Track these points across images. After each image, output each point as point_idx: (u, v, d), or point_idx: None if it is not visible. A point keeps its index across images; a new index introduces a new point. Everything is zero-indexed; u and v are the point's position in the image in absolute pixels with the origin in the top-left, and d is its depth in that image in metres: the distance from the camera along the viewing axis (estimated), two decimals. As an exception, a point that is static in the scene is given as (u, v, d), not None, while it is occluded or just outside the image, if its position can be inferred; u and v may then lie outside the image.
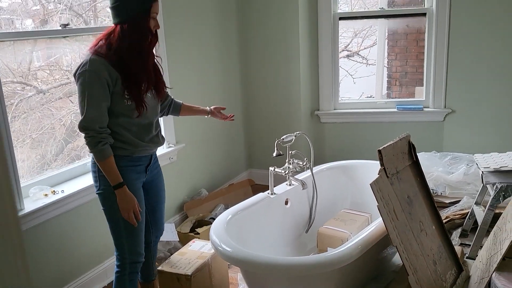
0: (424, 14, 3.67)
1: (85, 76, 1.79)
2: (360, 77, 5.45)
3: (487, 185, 2.69)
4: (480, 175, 2.68)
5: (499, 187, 2.55)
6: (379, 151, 2.20)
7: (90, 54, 1.83)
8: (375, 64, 4.98)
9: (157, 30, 1.94)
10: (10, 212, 1.21)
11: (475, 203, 2.91)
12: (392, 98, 4.41)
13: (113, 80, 1.82)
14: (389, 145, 2.30)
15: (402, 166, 2.36)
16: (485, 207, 2.66)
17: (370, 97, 4.97)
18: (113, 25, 1.88)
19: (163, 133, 2.39)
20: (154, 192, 2.14)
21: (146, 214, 2.13)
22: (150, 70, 1.94)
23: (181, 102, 2.29)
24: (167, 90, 2.17)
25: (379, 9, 3.89)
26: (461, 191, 3.23)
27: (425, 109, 3.77)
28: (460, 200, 3.16)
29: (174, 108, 2.26)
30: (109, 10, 1.93)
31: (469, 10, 3.47)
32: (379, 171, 2.18)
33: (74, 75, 1.85)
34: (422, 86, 3.85)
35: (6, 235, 1.20)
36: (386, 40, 4.51)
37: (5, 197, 1.20)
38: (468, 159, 3.42)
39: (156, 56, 2.03)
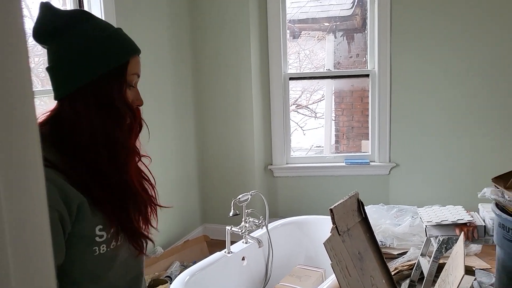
0: (367, 75, 3.96)
1: None
2: (310, 129, 5.69)
3: (431, 238, 2.87)
4: (424, 228, 2.86)
5: (441, 239, 2.73)
6: (331, 210, 2.33)
7: None
8: (323, 117, 5.24)
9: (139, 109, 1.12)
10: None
11: (420, 255, 3.07)
12: (341, 150, 4.63)
13: (71, 211, 0.95)
14: (340, 204, 2.43)
15: (352, 223, 2.49)
16: (430, 257, 2.82)
17: (319, 147, 5.19)
18: (54, 103, 1.05)
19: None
20: None
21: None
22: (136, 189, 1.09)
23: None
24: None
25: (326, 70, 4.15)
26: (408, 242, 3.40)
27: (372, 163, 3.98)
28: (407, 251, 3.33)
29: None
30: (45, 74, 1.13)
31: (408, 71, 3.78)
32: (332, 230, 2.30)
33: None
34: (368, 140, 4.09)
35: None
36: (333, 97, 4.78)
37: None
38: (413, 211, 3.63)
39: (143, 156, 1.15)
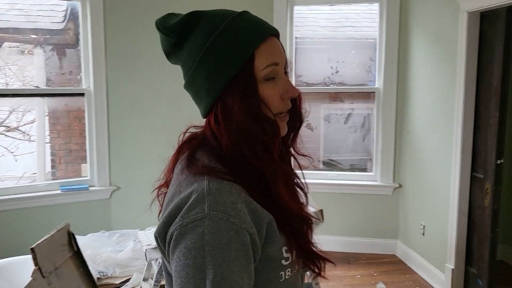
0: (82, 94, 3.69)
1: (204, 236, 0.77)
2: (23, 154, 5.01)
3: (151, 261, 2.80)
4: (144, 252, 2.77)
5: (160, 261, 2.69)
6: (32, 250, 1.99)
7: (198, 177, 0.84)
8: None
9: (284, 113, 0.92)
10: None
11: (143, 280, 2.98)
12: (58, 176, 4.20)
13: (261, 233, 0.83)
14: (45, 240, 2.11)
15: (62, 260, 2.20)
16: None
17: (34, 174, 4.62)
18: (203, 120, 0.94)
19: None
20: None
21: None
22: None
23: None
24: None
25: (34, 87, 3.70)
26: (132, 268, 3.27)
27: (91, 188, 3.72)
28: (130, 278, 3.19)
29: None
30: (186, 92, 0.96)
31: (125, 91, 3.69)
32: (33, 273, 1.96)
33: (163, 232, 0.83)
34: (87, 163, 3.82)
35: None
36: (47, 117, 4.32)
37: None
38: (135, 234, 3.52)
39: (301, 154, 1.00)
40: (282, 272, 0.85)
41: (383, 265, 3.86)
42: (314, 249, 0.92)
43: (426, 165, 3.52)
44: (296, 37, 4.07)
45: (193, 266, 0.75)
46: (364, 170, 4.21)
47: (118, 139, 3.73)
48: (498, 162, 2.85)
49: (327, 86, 4.15)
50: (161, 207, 0.93)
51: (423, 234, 3.60)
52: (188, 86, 0.91)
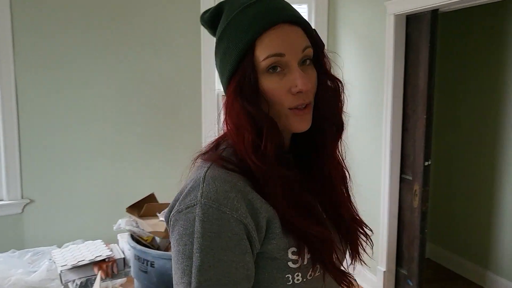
0: (-13, 98, 3.31)
1: (199, 217, 0.76)
2: None
3: (68, 283, 2.54)
4: (59, 274, 2.51)
5: (78, 283, 2.43)
6: None
7: (203, 165, 0.83)
8: None
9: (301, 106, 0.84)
10: None
11: (59, 303, 2.70)
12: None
13: (260, 226, 0.79)
14: None
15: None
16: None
17: None
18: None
19: None
20: None
21: None
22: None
23: None
24: None
25: None
26: (47, 289, 2.96)
27: (0, 202, 3.35)
28: (45, 301, 2.88)
29: None
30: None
31: (35, 100, 3.36)
32: None
33: (167, 217, 0.83)
34: (-5, 175, 3.43)
35: None
36: None
37: None
38: (51, 252, 3.20)
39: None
40: (289, 275, 0.80)
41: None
42: (335, 263, 0.84)
43: (355, 168, 3.51)
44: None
45: (182, 252, 0.75)
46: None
47: (30, 149, 3.38)
48: (426, 164, 2.88)
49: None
50: None
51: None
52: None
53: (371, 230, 0.96)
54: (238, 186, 0.77)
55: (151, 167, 3.74)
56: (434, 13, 2.74)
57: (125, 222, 2.37)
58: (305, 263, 0.81)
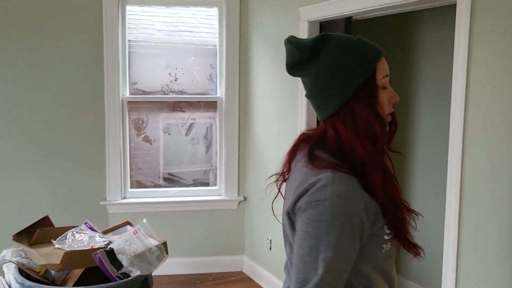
0: None
1: (324, 214, 1.02)
2: None
3: None
4: None
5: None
6: None
7: (324, 170, 1.06)
8: None
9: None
10: None
11: None
12: None
13: (370, 219, 1.06)
14: None
15: None
16: None
17: None
18: (321, 124, 1.17)
19: None
20: None
21: None
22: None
23: None
24: None
25: None
26: None
27: None
28: None
29: None
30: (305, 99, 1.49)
31: None
32: None
33: (292, 207, 1.09)
34: None
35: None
36: None
37: None
38: None
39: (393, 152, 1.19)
40: (384, 245, 1.09)
41: (230, 284, 3.66)
42: (408, 236, 1.13)
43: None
44: (129, 40, 3.64)
45: (310, 233, 1.01)
46: (207, 184, 3.95)
47: None
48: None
49: (166, 94, 3.79)
50: (278, 191, 1.23)
51: (270, 249, 3.48)
52: (315, 94, 1.12)
53: (416, 214, 1.19)
54: (356, 187, 1.04)
55: (47, 182, 3.34)
56: (348, 20, 2.71)
57: (11, 253, 2.00)
58: (393, 235, 1.10)
